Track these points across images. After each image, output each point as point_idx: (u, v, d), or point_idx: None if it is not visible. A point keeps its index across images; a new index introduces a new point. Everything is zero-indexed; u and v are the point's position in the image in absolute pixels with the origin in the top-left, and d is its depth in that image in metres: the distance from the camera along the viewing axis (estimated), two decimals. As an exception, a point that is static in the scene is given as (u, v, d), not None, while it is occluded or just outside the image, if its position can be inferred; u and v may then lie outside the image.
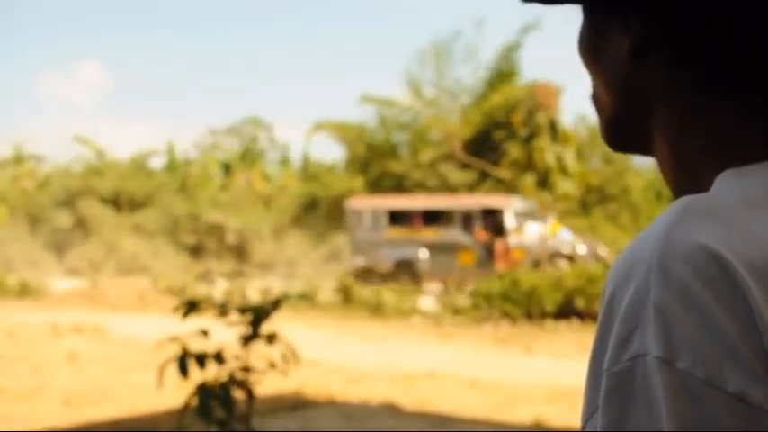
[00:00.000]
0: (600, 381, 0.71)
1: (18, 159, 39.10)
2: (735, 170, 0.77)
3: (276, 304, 4.81)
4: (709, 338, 0.66)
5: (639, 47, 0.83)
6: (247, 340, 4.70)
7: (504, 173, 28.82)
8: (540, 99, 28.29)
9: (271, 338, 4.70)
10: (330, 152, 52.01)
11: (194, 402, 4.51)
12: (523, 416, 8.92)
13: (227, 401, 4.48)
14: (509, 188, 28.33)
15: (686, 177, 0.84)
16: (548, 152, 27.94)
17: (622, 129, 0.90)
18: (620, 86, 0.86)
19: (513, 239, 24.94)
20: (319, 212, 33.53)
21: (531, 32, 31.66)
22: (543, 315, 18.88)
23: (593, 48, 0.89)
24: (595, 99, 0.92)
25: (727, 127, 0.80)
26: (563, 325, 18.39)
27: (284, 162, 40.77)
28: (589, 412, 0.73)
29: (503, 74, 31.18)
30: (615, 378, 0.69)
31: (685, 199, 0.74)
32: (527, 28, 31.02)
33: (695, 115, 0.82)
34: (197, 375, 4.63)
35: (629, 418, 0.68)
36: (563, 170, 27.82)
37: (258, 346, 4.79)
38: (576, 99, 42.05)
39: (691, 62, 0.81)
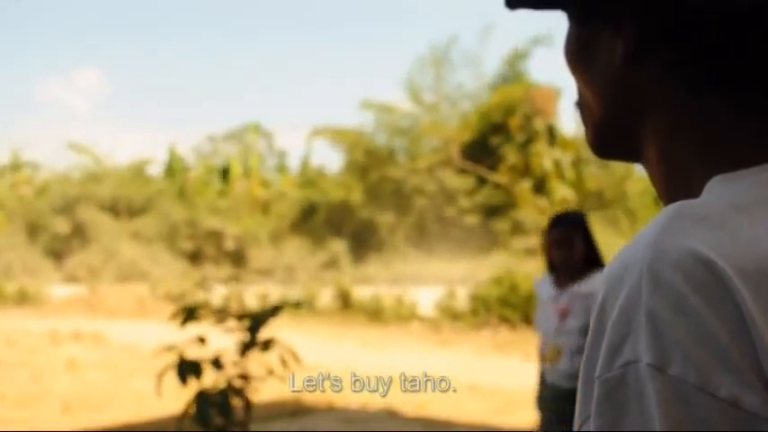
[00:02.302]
0: (592, 388, 0.71)
1: (16, 166, 39.08)
2: (725, 175, 0.77)
3: (274, 311, 4.82)
4: (701, 344, 0.66)
5: (634, 51, 0.82)
6: (245, 347, 4.71)
7: (501, 178, 28.82)
8: (538, 103, 28.28)
9: (269, 344, 4.70)
10: (329, 158, 51.93)
11: (193, 409, 4.51)
12: (522, 421, 8.92)
13: (225, 408, 4.49)
14: (506, 193, 28.33)
15: (678, 183, 0.83)
16: (545, 157, 27.94)
17: (611, 135, 0.88)
18: (611, 92, 0.85)
19: None
20: (318, 218, 33.50)
21: (540, 44, 31.54)
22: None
23: (581, 53, 0.88)
24: (581, 106, 0.92)
25: (723, 131, 0.80)
26: (562, 330, 18.38)
27: (282, 168, 40.74)
28: (582, 419, 0.73)
29: (507, 81, 31.15)
30: (607, 385, 0.69)
31: (675, 205, 0.74)
32: (537, 39, 30.97)
33: (690, 119, 0.81)
34: (196, 382, 4.64)
35: (621, 426, 0.67)
36: (560, 175, 27.82)
37: (257, 353, 4.80)
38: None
39: (686, 65, 0.80)
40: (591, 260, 4.43)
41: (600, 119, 0.88)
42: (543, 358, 4.51)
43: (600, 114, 0.88)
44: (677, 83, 0.81)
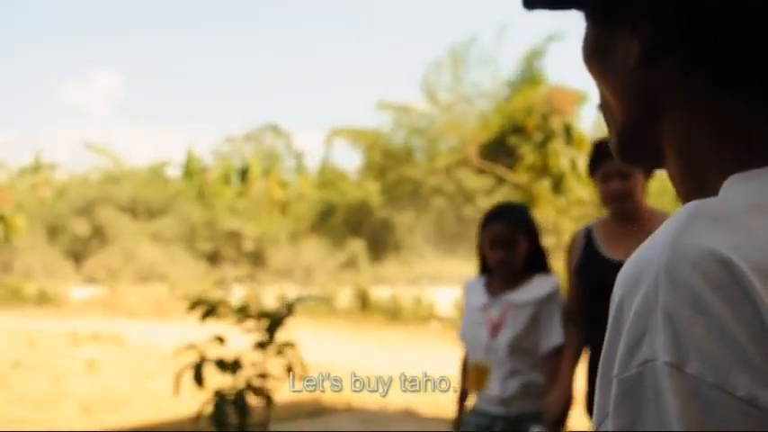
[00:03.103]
0: (610, 387, 0.71)
1: (36, 168, 39.31)
2: (743, 174, 0.77)
3: (291, 309, 4.81)
4: (719, 343, 0.65)
5: (650, 51, 0.82)
6: (263, 347, 4.70)
7: (519, 178, 28.77)
8: (556, 104, 28.21)
9: (285, 347, 4.70)
10: (347, 158, 52.03)
11: (210, 409, 4.52)
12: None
13: (242, 408, 4.49)
14: (525, 193, 28.29)
15: (696, 182, 0.83)
16: (562, 156, 27.87)
17: (633, 137, 0.88)
18: (630, 92, 0.85)
19: None
20: (336, 219, 33.54)
21: (555, 41, 31.44)
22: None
23: (599, 54, 0.88)
24: (604, 108, 0.91)
25: (740, 129, 0.79)
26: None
27: (301, 168, 40.84)
28: (600, 418, 0.73)
29: (525, 80, 31.09)
30: (625, 384, 0.69)
31: (693, 204, 0.73)
32: (552, 37, 30.91)
33: (707, 119, 0.80)
34: (214, 382, 4.64)
35: (639, 425, 0.67)
36: (578, 174, 27.74)
37: (275, 353, 4.80)
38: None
39: (703, 64, 0.79)
40: (533, 263, 3.72)
41: (622, 120, 0.88)
42: (470, 381, 3.75)
43: (622, 116, 0.88)
44: (694, 82, 0.80)
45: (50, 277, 29.38)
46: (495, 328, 3.63)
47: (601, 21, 0.88)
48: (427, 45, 63.20)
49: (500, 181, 30.00)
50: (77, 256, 32.51)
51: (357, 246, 31.18)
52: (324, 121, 71.33)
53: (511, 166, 29.40)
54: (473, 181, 30.15)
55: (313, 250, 31.52)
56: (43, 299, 26.43)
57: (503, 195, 29.41)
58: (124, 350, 15.58)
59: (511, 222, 3.64)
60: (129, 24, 61.71)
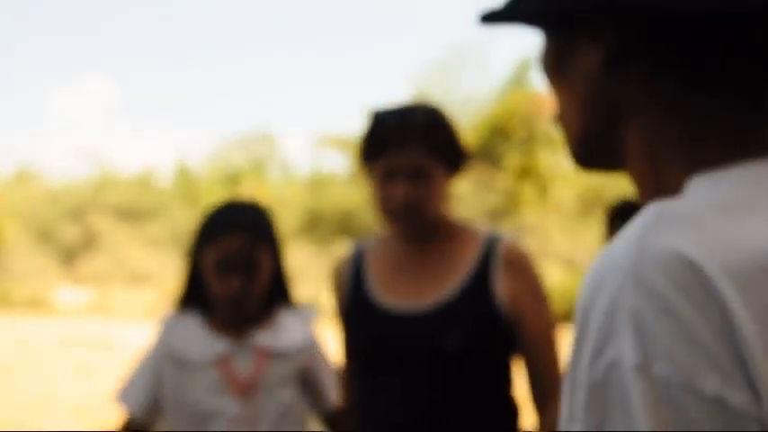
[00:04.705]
0: (577, 390, 0.70)
1: (26, 173, 39.32)
2: (708, 174, 0.76)
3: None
4: (685, 344, 0.65)
5: (615, 56, 0.81)
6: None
7: (505, 182, 28.91)
8: (539, 107, 28.34)
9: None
10: (335, 164, 52.09)
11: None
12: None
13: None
14: (511, 197, 28.43)
15: (660, 184, 0.82)
16: (546, 159, 28.01)
17: (594, 144, 0.87)
18: (592, 99, 0.84)
19: None
20: (323, 224, 33.58)
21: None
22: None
23: (558, 64, 0.87)
24: (562, 118, 0.90)
25: (704, 130, 0.79)
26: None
27: (290, 174, 40.89)
28: (567, 421, 0.72)
29: (514, 84, 31.18)
30: (592, 387, 0.68)
31: (657, 205, 0.73)
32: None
33: (673, 120, 0.80)
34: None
35: (607, 426, 0.67)
36: (561, 177, 27.89)
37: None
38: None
39: (669, 66, 0.79)
40: (277, 290, 2.53)
41: (582, 128, 0.87)
42: None
43: (582, 123, 0.87)
44: (659, 84, 0.80)
45: (41, 281, 29.40)
46: (250, 388, 2.32)
47: (559, 31, 0.87)
48: (416, 50, 63.35)
49: (487, 185, 30.14)
50: (68, 260, 32.51)
51: (344, 251, 31.26)
52: (314, 127, 71.35)
53: (497, 171, 29.51)
54: (460, 185, 30.17)
55: (300, 255, 31.60)
56: (33, 303, 26.42)
57: (489, 200, 29.54)
58: (114, 353, 15.61)
59: (251, 233, 2.36)
60: (121, 30, 61.73)
